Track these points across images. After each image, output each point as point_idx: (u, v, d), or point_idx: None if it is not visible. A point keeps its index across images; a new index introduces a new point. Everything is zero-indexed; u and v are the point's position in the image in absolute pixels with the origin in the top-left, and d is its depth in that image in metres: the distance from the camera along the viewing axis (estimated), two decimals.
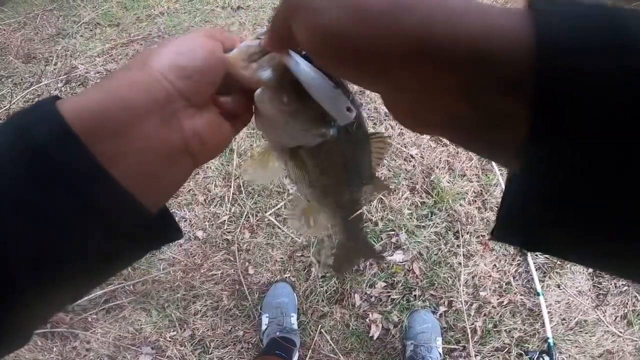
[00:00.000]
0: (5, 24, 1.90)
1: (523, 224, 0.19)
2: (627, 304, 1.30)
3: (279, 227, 1.44)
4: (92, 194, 0.22)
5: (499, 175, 1.44)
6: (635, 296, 1.31)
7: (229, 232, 1.44)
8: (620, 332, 1.26)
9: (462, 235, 1.41)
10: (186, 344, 1.35)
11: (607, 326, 1.26)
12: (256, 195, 1.47)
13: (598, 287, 1.34)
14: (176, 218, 1.41)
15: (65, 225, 0.21)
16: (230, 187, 1.48)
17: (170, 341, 1.35)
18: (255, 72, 0.30)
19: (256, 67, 0.30)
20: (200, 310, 1.37)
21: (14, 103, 1.58)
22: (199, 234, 1.44)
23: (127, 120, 0.23)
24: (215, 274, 1.40)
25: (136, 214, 0.24)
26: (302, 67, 0.29)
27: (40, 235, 0.21)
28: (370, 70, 0.21)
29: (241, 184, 1.48)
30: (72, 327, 1.37)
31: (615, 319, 1.29)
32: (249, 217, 1.45)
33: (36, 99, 1.66)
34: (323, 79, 0.29)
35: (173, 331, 1.36)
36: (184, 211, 1.46)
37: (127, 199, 0.23)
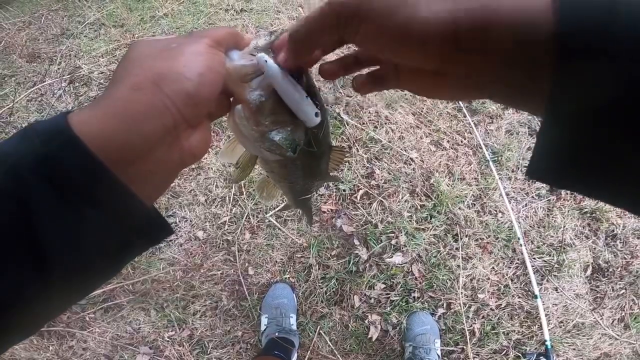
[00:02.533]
0: (10, 23, 1.96)
1: (552, 162, 0.22)
2: (624, 307, 1.35)
3: (279, 229, 1.48)
4: (115, 207, 0.26)
5: (497, 180, 1.50)
6: (633, 299, 1.35)
7: (229, 233, 1.48)
8: (618, 335, 1.30)
9: (461, 238, 1.45)
10: (184, 344, 1.38)
11: (605, 329, 1.31)
12: (257, 197, 1.52)
13: (595, 290, 1.39)
14: (177, 218, 1.46)
15: (90, 230, 0.25)
16: (232, 188, 1.53)
17: (168, 341, 1.38)
18: (245, 92, 0.33)
19: (247, 87, 0.33)
20: (200, 311, 1.41)
21: (17, 102, 1.63)
22: (200, 234, 1.48)
23: (145, 150, 0.27)
24: (215, 274, 1.44)
25: (144, 216, 0.28)
26: (278, 78, 0.33)
27: (69, 237, 0.24)
28: (427, 52, 0.25)
29: (242, 186, 1.53)
30: (69, 326, 1.40)
31: (613, 322, 1.33)
32: (249, 218, 1.49)
33: (39, 99, 1.71)
34: (295, 88, 0.34)
35: (171, 331, 1.39)
36: (185, 211, 1.50)
37: (142, 207, 0.27)
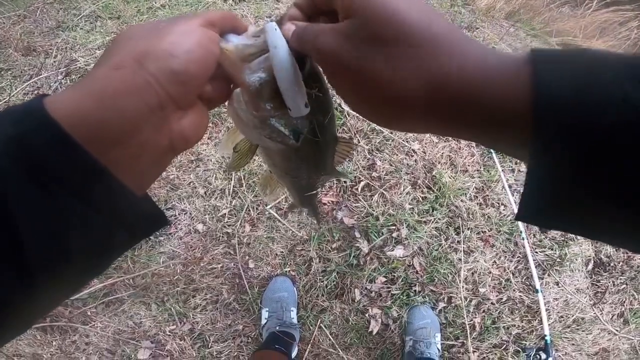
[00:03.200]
0: (5, 17, 1.93)
1: (538, 208, 0.24)
2: (624, 302, 1.37)
3: (279, 221, 1.49)
4: (96, 195, 0.24)
5: (500, 172, 1.49)
6: (633, 294, 1.38)
7: (229, 225, 1.49)
8: (617, 331, 1.33)
9: (462, 231, 1.46)
10: (186, 337, 1.41)
11: (604, 324, 1.33)
12: (257, 189, 1.52)
13: (596, 285, 1.41)
14: (176, 211, 1.46)
15: (72, 223, 0.23)
16: (231, 180, 1.52)
17: (169, 335, 1.41)
18: (244, 74, 0.32)
19: (247, 69, 0.32)
20: (200, 304, 1.43)
21: (13, 95, 1.61)
22: (199, 227, 1.49)
23: (126, 130, 0.25)
24: (215, 268, 1.45)
25: (134, 206, 0.27)
26: (281, 52, 0.31)
27: (50, 232, 0.23)
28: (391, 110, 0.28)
29: (242, 177, 1.53)
30: (71, 321, 1.43)
31: (612, 317, 1.36)
32: (249, 211, 1.50)
33: (36, 92, 1.69)
34: (292, 70, 0.31)
35: (173, 325, 1.42)
36: (184, 204, 1.50)
37: (128, 195, 0.26)
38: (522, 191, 0.24)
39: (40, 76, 1.68)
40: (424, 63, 0.25)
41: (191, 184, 1.54)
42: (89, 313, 1.42)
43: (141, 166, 0.27)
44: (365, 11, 0.26)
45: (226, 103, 0.36)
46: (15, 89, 1.64)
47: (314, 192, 0.55)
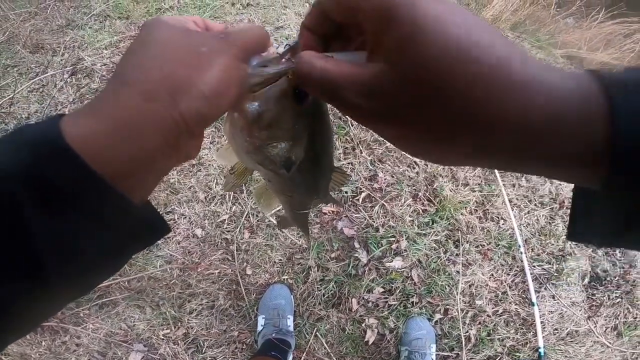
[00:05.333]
0: (15, 14, 2.08)
1: (602, 229, 0.26)
2: (618, 315, 1.52)
3: (279, 229, 1.62)
4: (107, 214, 0.27)
5: (501, 186, 1.65)
6: (628, 308, 1.53)
7: (228, 232, 1.62)
8: (610, 343, 1.47)
9: (462, 244, 1.61)
10: (179, 342, 1.52)
11: (597, 337, 1.48)
12: (255, 203, 1.65)
13: (592, 298, 1.56)
14: (175, 215, 1.59)
15: (86, 245, 0.26)
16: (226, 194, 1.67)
17: (163, 339, 1.52)
18: (244, 100, 0.34)
19: (249, 97, 0.34)
20: (196, 309, 1.55)
21: (17, 92, 1.75)
22: (198, 232, 1.62)
23: (141, 163, 0.28)
24: (213, 273, 1.58)
25: (139, 219, 0.30)
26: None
27: (64, 250, 0.25)
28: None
29: (243, 184, 1.67)
30: (62, 322, 1.52)
31: (606, 330, 1.51)
32: (249, 217, 1.63)
33: (40, 90, 1.84)
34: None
35: (167, 329, 1.53)
36: (184, 208, 1.64)
37: (134, 210, 0.28)
38: (578, 211, 0.27)
39: (47, 74, 1.82)
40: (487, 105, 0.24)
41: (192, 188, 1.67)
42: (81, 314, 1.52)
43: (148, 184, 0.30)
44: (415, 55, 0.24)
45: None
46: (20, 86, 1.78)
47: (306, 210, 0.60)
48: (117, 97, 0.27)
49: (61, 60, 1.91)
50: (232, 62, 0.31)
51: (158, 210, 0.33)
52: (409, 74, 0.24)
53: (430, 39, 0.23)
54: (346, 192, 1.67)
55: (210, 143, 1.74)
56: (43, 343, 1.50)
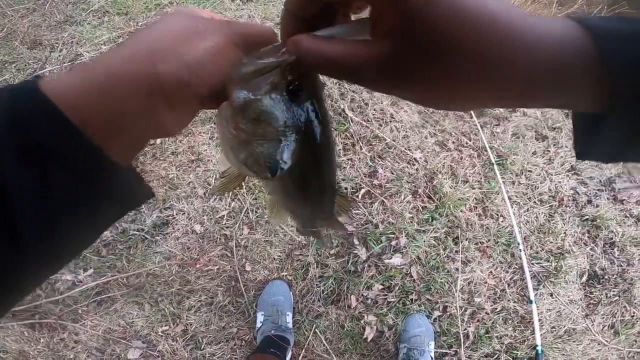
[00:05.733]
0: (13, 10, 2.09)
1: (609, 145, 0.29)
2: (616, 313, 1.55)
3: (278, 225, 1.64)
4: (86, 169, 0.28)
5: (501, 184, 1.67)
6: (625, 306, 1.56)
7: (227, 228, 1.63)
8: (607, 342, 1.50)
9: (461, 242, 1.63)
10: (178, 339, 1.54)
11: (595, 335, 1.51)
12: (257, 191, 1.67)
13: (589, 296, 1.59)
14: (174, 211, 1.60)
15: (62, 197, 0.27)
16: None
17: (162, 336, 1.54)
18: (235, 89, 0.33)
19: (240, 86, 0.33)
20: (195, 306, 1.56)
21: None
22: (197, 227, 1.63)
23: (115, 118, 0.29)
24: (212, 270, 1.59)
25: (117, 177, 0.31)
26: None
27: (42, 205, 0.26)
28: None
29: (235, 188, 1.68)
30: (61, 319, 1.54)
31: (603, 328, 1.54)
32: (248, 213, 1.65)
33: None
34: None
35: (165, 326, 1.55)
36: (183, 204, 1.65)
37: (115, 169, 0.30)
38: (579, 131, 0.30)
39: (44, 70, 1.83)
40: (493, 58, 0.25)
41: (190, 184, 1.68)
42: (79, 311, 1.54)
43: (124, 148, 0.31)
44: (428, 23, 0.25)
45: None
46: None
47: (314, 229, 0.57)
48: (100, 59, 0.29)
49: (59, 56, 1.91)
50: (225, 42, 0.32)
51: (145, 180, 0.34)
52: (424, 40, 0.25)
53: (442, 9, 0.25)
54: (346, 189, 1.69)
55: (210, 139, 1.75)
56: (42, 340, 1.52)
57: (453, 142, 1.79)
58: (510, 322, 1.54)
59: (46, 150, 0.26)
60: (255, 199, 1.66)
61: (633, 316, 1.56)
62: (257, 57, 0.33)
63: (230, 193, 1.66)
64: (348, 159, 1.74)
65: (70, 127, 0.26)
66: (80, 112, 0.27)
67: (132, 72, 0.29)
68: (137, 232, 1.62)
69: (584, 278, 1.61)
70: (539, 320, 1.50)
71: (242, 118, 0.33)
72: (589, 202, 1.73)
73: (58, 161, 0.26)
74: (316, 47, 0.29)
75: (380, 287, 1.58)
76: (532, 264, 1.61)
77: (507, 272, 1.60)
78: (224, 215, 1.64)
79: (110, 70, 0.28)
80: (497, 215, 1.68)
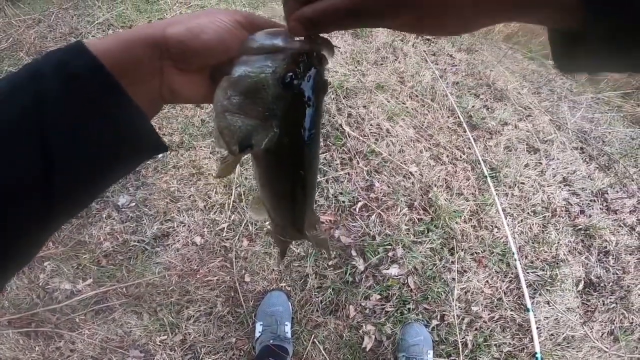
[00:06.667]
0: (20, 20, 2.23)
1: (586, 54, 0.30)
2: (614, 320, 1.59)
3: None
4: (112, 107, 0.34)
5: (494, 196, 1.75)
6: (623, 313, 1.60)
7: (227, 239, 1.70)
8: (607, 348, 1.54)
9: (456, 252, 1.69)
10: (176, 348, 1.57)
11: (594, 342, 1.54)
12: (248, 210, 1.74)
13: (586, 304, 1.64)
14: (175, 223, 1.67)
15: (91, 133, 0.33)
16: (231, 195, 1.76)
17: (160, 345, 1.57)
18: (236, 64, 0.38)
19: (241, 58, 0.38)
20: (193, 316, 1.61)
21: None
22: (197, 239, 1.70)
23: (131, 67, 0.36)
24: (211, 280, 1.65)
25: (140, 127, 0.37)
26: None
27: (73, 136, 0.32)
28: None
29: (242, 193, 1.77)
30: (57, 327, 1.57)
31: (602, 335, 1.57)
32: (248, 226, 1.72)
33: None
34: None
35: (164, 335, 1.58)
36: (183, 216, 1.73)
37: (135, 114, 0.36)
38: (557, 44, 0.32)
39: None
40: None
41: (191, 197, 1.77)
42: (77, 320, 1.57)
43: (141, 95, 0.36)
44: None
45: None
46: None
47: (287, 240, 0.61)
48: (130, 29, 0.37)
49: None
50: (230, 20, 0.39)
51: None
52: None
53: None
54: (343, 202, 1.77)
55: (210, 153, 1.85)
56: (37, 348, 1.54)
57: (447, 156, 1.89)
58: (508, 330, 1.58)
59: (81, 78, 0.33)
60: None
61: (632, 323, 1.60)
62: (263, 38, 0.38)
63: (230, 206, 1.74)
64: (345, 173, 1.83)
65: (103, 69, 0.34)
66: (108, 59, 0.34)
67: (147, 34, 0.37)
68: (137, 243, 1.69)
69: (580, 286, 1.67)
70: (537, 328, 1.54)
71: (234, 90, 0.38)
72: (582, 212, 1.81)
73: (90, 88, 0.33)
74: (319, 6, 0.33)
75: (378, 297, 1.63)
76: (528, 273, 1.67)
77: (504, 281, 1.66)
78: (224, 228, 1.72)
79: (135, 32, 0.37)
80: (492, 226, 1.75)
